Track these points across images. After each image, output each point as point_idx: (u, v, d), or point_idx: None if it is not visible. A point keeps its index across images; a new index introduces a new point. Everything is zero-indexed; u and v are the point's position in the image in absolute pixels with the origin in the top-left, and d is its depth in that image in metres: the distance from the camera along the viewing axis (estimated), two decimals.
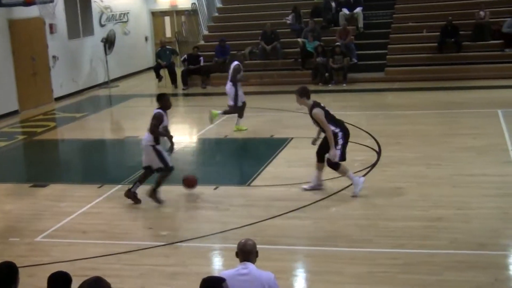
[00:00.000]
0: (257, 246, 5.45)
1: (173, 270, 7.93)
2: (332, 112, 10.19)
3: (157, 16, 27.32)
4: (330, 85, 20.42)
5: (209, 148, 14.59)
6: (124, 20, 25.03)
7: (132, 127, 16.49)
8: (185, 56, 22.35)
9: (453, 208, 9.34)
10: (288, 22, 22.85)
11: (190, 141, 15.14)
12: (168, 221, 9.65)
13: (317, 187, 10.42)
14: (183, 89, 21.67)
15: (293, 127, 14.92)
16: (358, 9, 22.60)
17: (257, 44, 22.22)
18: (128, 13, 25.27)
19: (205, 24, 25.37)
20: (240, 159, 13.48)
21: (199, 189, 10.66)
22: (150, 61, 25.86)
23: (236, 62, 15.03)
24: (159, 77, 22.49)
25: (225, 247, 8.45)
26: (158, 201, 10.22)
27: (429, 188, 10.24)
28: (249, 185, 11.03)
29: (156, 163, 10.14)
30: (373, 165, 11.53)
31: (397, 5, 23.33)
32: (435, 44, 21.02)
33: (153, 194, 10.21)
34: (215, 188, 10.81)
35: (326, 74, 20.65)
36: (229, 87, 14.87)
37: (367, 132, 13.88)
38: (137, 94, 21.29)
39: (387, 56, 21.39)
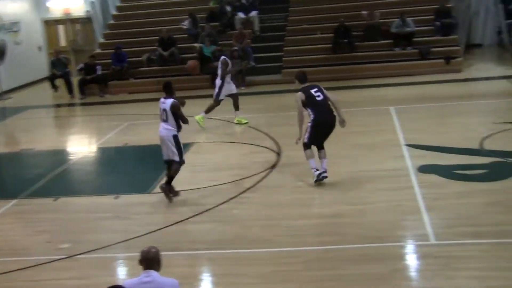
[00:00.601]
0: (161, 253, 5.44)
1: (75, 283, 7.79)
2: (319, 98, 10.39)
3: (50, 24, 26.65)
4: None
5: (109, 157, 14.35)
6: (15, 29, 24.27)
7: (28, 139, 16.06)
8: (82, 65, 21.92)
9: (350, 203, 9.62)
10: (185, 27, 22.84)
11: (89, 150, 14.87)
12: (68, 234, 9.43)
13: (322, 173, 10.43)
14: (81, 99, 21.23)
15: (194, 132, 14.90)
16: (253, 13, 22.90)
17: (154, 50, 22.10)
18: (19, 22, 24.52)
19: (101, 32, 24.97)
20: (141, 166, 13.34)
21: (98, 199, 10.50)
22: (45, 71, 25.15)
23: (222, 57, 15.38)
24: (54, 87, 21.95)
25: (128, 256, 8.37)
26: (176, 193, 10.26)
27: (327, 186, 10.47)
28: (150, 192, 10.95)
29: (173, 155, 10.14)
30: (273, 166, 11.70)
31: (291, 8, 23.78)
32: (329, 45, 21.57)
33: (169, 189, 10.20)
34: (115, 197, 10.68)
35: None
36: (217, 81, 15.33)
37: (266, 134, 14.08)
38: (32, 106, 20.70)
39: (283, 58, 21.77)
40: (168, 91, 10.19)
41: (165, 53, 21.89)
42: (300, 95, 10.42)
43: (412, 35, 21.25)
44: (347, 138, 13.37)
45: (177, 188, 10.44)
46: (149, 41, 22.72)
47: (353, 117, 15.22)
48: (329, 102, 10.53)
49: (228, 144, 13.70)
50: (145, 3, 25.53)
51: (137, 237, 8.92)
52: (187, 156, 12.89)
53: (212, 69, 20.83)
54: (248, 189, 10.52)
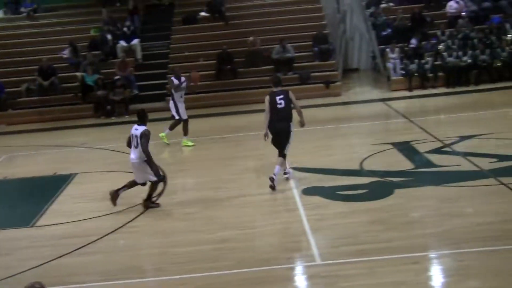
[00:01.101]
0: None
1: None
2: (280, 105, 11.37)
3: None
4: (113, 118, 20.33)
5: None
6: None
7: None
8: None
9: (239, 228, 9.70)
10: (65, 56, 22.42)
11: None
12: None
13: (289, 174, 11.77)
14: None
15: (77, 162, 14.63)
16: (135, 41, 22.82)
17: (34, 80, 21.52)
18: None
19: None
20: (22, 199, 12.89)
21: None
22: None
23: (171, 77, 15.73)
24: None
25: None
26: (156, 204, 10.92)
27: (215, 211, 10.55)
28: (33, 225, 10.60)
29: (151, 178, 10.58)
30: (160, 194, 11.62)
31: (173, 36, 23.87)
32: (213, 72, 21.80)
33: (148, 202, 10.84)
34: None
35: (108, 107, 20.53)
36: (170, 102, 15.54)
37: None
38: None
39: (167, 86, 21.72)
40: (142, 119, 10.60)
41: (45, 83, 21.37)
42: (266, 98, 11.49)
43: (292, 60, 21.86)
44: (235, 163, 13.57)
45: (63, 220, 10.19)
46: (28, 71, 22.12)
47: (240, 142, 15.60)
48: (289, 109, 11.52)
49: (114, 173, 13.49)
50: (22, 32, 24.84)
51: (20, 272, 8.59)
52: (69, 188, 12.67)
53: (95, 98, 20.59)
54: (135, 218, 10.40)
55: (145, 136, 10.37)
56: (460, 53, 21.33)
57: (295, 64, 21.87)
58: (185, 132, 15.57)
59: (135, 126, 10.58)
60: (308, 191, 11.12)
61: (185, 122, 15.54)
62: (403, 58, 21.67)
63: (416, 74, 21.14)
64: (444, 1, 24.23)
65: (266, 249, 8.88)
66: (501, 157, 12.23)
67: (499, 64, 20.97)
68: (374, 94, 21.51)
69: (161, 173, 10.76)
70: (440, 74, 21.21)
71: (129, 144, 10.69)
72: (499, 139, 13.69)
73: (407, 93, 20.77)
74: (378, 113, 18.64)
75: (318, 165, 12.74)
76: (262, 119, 11.68)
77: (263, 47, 22.30)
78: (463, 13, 23.40)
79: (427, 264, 8.14)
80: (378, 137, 14.93)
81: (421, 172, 11.99)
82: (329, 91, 21.19)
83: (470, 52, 21.28)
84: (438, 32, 22.50)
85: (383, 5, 24.80)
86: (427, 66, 21.24)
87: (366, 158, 12.86)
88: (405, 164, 12.42)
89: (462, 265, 7.88)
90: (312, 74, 21.61)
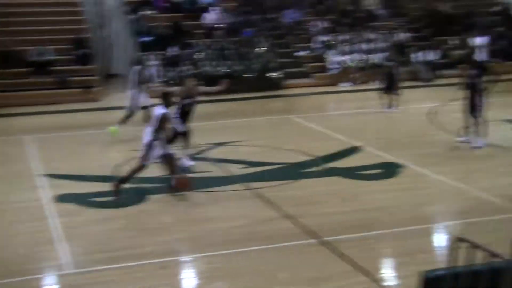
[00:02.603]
0: None
1: None
2: None
3: None
4: None
5: None
6: None
7: None
8: None
9: None
10: None
11: None
12: None
13: None
14: None
15: None
16: None
17: None
18: None
19: None
20: None
21: None
22: None
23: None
24: None
25: None
26: (118, 194, 10.68)
27: None
28: None
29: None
30: None
31: None
32: None
33: (118, 186, 10.75)
34: None
35: None
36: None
37: None
38: None
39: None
40: (167, 99, 10.87)
41: None
42: None
43: (50, 63, 21.26)
44: None
45: None
46: None
47: None
48: None
49: None
50: None
51: None
52: None
53: None
54: None
55: (168, 120, 10.74)
56: (216, 63, 22.26)
57: (53, 68, 21.30)
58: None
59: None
60: (60, 199, 10.96)
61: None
62: (162, 65, 22.08)
63: (174, 81, 21.63)
64: (202, 12, 25.13)
65: (14, 260, 8.56)
66: (250, 163, 13.03)
67: (251, 75, 22.23)
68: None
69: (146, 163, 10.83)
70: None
71: None
72: (249, 146, 14.57)
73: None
74: (138, 119, 18.72)
75: (71, 172, 12.58)
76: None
77: (20, 48, 21.42)
78: (219, 25, 24.46)
79: (176, 268, 8.45)
80: (136, 143, 15.04)
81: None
82: (87, 96, 20.91)
83: (225, 62, 22.31)
84: (197, 42, 23.27)
85: (143, 12, 25.05)
86: (185, 74, 21.84)
87: (121, 165, 12.94)
88: (158, 171, 12.68)
89: (210, 267, 8.29)
90: (71, 78, 21.19)
